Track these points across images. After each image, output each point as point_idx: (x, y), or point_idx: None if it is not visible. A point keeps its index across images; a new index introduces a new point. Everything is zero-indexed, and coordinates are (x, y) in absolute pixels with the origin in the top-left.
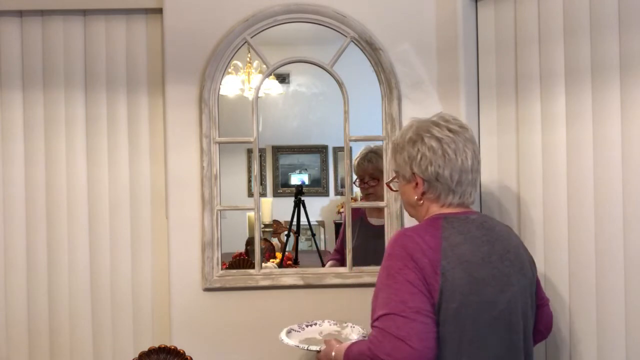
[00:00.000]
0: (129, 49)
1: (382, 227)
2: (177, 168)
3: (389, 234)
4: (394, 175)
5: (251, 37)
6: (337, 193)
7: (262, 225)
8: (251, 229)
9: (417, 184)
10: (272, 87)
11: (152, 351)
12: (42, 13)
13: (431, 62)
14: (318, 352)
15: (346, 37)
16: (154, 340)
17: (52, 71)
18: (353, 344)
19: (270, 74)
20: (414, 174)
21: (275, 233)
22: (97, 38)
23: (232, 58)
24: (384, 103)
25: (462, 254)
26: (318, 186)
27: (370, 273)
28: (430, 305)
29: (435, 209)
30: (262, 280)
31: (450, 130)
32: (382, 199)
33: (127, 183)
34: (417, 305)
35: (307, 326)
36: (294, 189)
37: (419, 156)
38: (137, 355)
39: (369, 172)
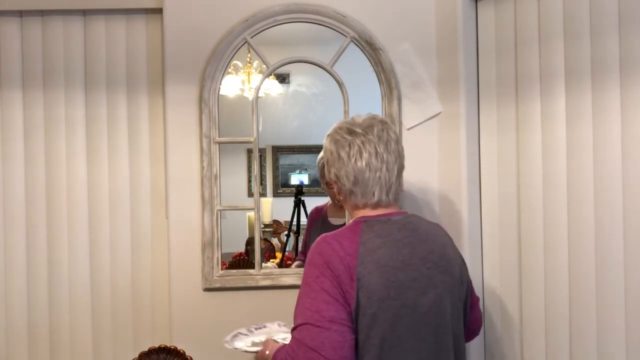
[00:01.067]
0: (129, 49)
1: (340, 226)
2: (177, 168)
3: None
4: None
5: (251, 37)
6: None
7: (262, 225)
8: (251, 229)
9: (336, 187)
10: (272, 87)
11: (152, 351)
12: (42, 13)
13: (431, 62)
14: (256, 352)
15: (346, 37)
16: (154, 340)
17: (52, 71)
18: (280, 347)
19: (270, 74)
20: (330, 176)
21: (275, 233)
22: (97, 38)
23: (232, 58)
24: (384, 103)
25: (380, 258)
26: (318, 186)
27: None
28: (346, 314)
29: (357, 211)
30: (262, 280)
31: (349, 132)
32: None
33: (127, 183)
34: (332, 314)
35: (256, 329)
36: (294, 189)
37: (331, 158)
38: (137, 355)
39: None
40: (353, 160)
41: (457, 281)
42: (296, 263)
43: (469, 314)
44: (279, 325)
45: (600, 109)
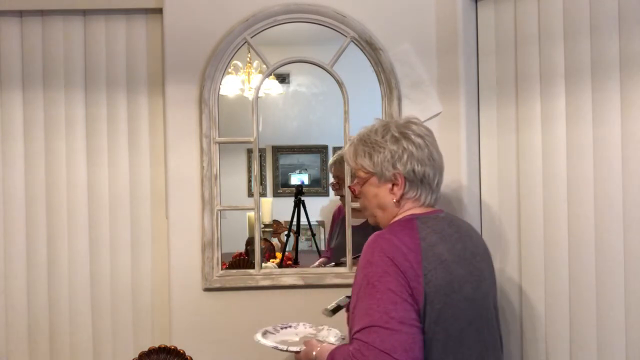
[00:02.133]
0: (129, 49)
1: (360, 226)
2: (177, 168)
3: None
4: (365, 176)
5: (251, 37)
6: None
7: (262, 225)
8: (251, 229)
9: (395, 184)
10: (272, 87)
11: (152, 351)
12: (42, 13)
13: (431, 62)
14: (297, 352)
15: (346, 37)
16: (154, 340)
17: (52, 71)
18: (336, 349)
19: (270, 74)
20: (395, 173)
21: (275, 233)
22: (97, 38)
23: (232, 58)
24: (384, 103)
25: (441, 254)
26: (318, 186)
27: None
28: (414, 313)
29: (407, 210)
30: (262, 280)
31: (426, 129)
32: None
33: (127, 183)
34: (401, 315)
35: (282, 328)
36: (294, 189)
37: (405, 155)
38: (137, 356)
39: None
40: (439, 159)
41: (494, 275)
42: (320, 260)
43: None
44: (304, 326)
45: (600, 109)
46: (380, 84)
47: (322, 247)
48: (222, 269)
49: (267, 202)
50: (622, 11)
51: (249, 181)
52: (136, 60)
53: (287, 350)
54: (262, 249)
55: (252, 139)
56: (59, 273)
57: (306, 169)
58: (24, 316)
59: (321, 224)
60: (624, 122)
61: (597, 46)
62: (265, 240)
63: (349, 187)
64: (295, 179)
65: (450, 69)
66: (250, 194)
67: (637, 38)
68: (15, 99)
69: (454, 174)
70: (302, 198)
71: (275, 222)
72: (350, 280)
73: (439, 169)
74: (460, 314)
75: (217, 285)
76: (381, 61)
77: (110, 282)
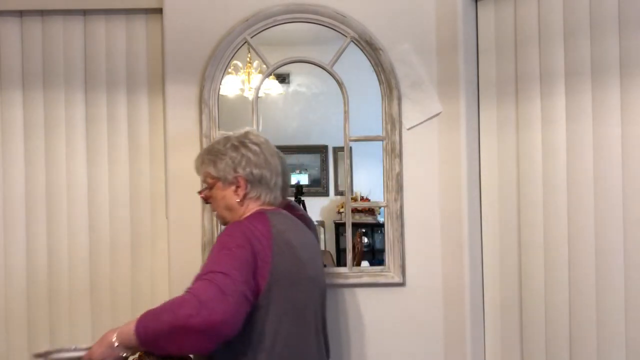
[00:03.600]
0: (129, 49)
1: None
2: (177, 168)
3: (391, 234)
4: (212, 182)
5: (251, 37)
6: (337, 193)
7: None
8: None
9: (238, 186)
10: (272, 87)
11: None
12: (42, 13)
13: (431, 62)
14: (89, 349)
15: (346, 37)
16: None
17: (52, 71)
18: (148, 310)
19: (270, 74)
20: (236, 177)
21: None
22: (97, 38)
23: (232, 58)
24: (384, 103)
25: (289, 239)
26: (318, 186)
27: (370, 273)
28: (249, 290)
29: (253, 208)
30: None
31: (263, 138)
32: None
33: (127, 183)
34: (246, 278)
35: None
36: (294, 189)
37: (243, 160)
38: (137, 356)
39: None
40: (274, 163)
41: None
42: None
43: None
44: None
45: (600, 109)
46: (380, 84)
47: (322, 248)
48: None
49: None
50: (622, 11)
51: None
52: (136, 60)
53: (75, 349)
54: None
55: None
56: (59, 273)
57: (306, 169)
58: (24, 316)
59: (321, 224)
60: (624, 122)
61: (597, 46)
62: None
63: (199, 193)
64: (295, 178)
65: (450, 69)
66: None
67: (637, 38)
68: (15, 99)
69: (454, 174)
70: (302, 198)
71: None
72: (350, 281)
73: (274, 171)
74: (305, 291)
75: None
76: (381, 61)
77: (110, 282)
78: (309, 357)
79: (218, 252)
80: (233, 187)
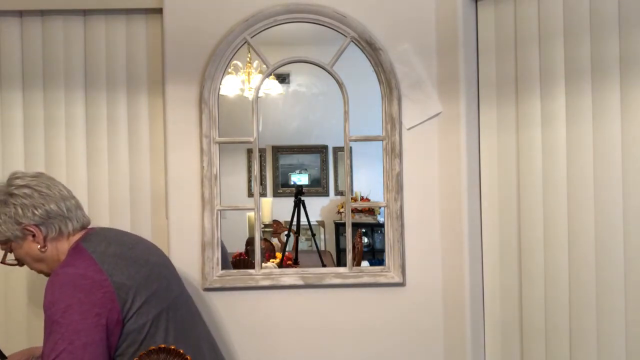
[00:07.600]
0: (129, 49)
1: None
2: (177, 168)
3: (391, 234)
4: (6, 246)
5: (251, 37)
6: (337, 193)
7: (262, 225)
8: (251, 229)
9: (33, 235)
10: (272, 87)
11: (152, 351)
12: (42, 13)
13: (431, 62)
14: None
15: (346, 37)
16: None
17: (52, 71)
18: None
19: (270, 74)
20: (24, 228)
21: (275, 233)
22: (97, 38)
23: (232, 58)
24: (384, 103)
25: (115, 251)
26: (318, 186)
27: (370, 273)
28: (102, 329)
29: (64, 245)
30: (262, 280)
31: (30, 176)
32: None
33: (127, 183)
34: (84, 340)
35: None
36: (294, 189)
37: (19, 209)
38: (137, 356)
39: None
40: (56, 191)
41: (167, 257)
42: None
43: None
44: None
45: (600, 109)
46: (380, 84)
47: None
48: (222, 269)
49: (267, 202)
50: (622, 11)
51: (249, 181)
52: (136, 60)
53: None
54: (262, 249)
55: (252, 139)
56: None
57: (306, 169)
58: (24, 318)
59: (321, 224)
60: (624, 122)
61: (597, 46)
62: (265, 240)
63: (2, 263)
64: (295, 179)
65: (450, 69)
66: (250, 194)
67: (637, 38)
68: (15, 99)
69: (454, 174)
70: (302, 198)
71: (275, 222)
72: (350, 281)
73: (59, 198)
74: (166, 287)
75: (217, 285)
76: (381, 61)
77: None
78: (197, 328)
79: (49, 328)
80: (29, 239)
